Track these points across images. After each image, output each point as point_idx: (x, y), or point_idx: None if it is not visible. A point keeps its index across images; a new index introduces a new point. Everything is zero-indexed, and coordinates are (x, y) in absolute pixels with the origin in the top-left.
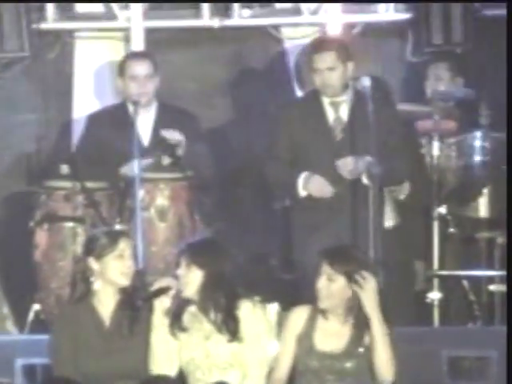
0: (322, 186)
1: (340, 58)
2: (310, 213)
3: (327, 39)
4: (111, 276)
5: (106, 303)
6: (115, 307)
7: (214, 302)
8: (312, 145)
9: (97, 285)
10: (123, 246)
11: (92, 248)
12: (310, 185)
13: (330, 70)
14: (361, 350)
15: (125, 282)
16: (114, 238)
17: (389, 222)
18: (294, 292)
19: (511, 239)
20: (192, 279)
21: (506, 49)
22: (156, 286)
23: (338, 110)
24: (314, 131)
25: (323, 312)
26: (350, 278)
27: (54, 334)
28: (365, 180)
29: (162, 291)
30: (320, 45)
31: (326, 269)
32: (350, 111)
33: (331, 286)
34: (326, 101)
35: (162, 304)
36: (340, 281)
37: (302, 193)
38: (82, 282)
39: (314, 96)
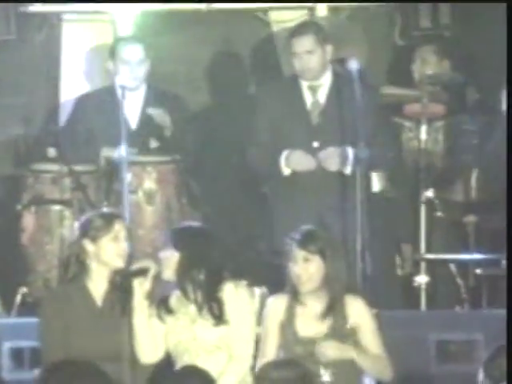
0: (304, 158)
1: (318, 41)
2: (293, 196)
3: (305, 23)
4: (106, 258)
5: (98, 283)
6: (108, 288)
7: (191, 282)
8: (289, 129)
9: (91, 266)
10: (118, 227)
11: (87, 230)
12: (292, 160)
13: (308, 54)
14: (345, 329)
15: (120, 263)
16: (109, 220)
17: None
18: (282, 276)
19: (511, 224)
20: (169, 261)
21: (506, 49)
22: (134, 266)
23: (316, 94)
24: (291, 115)
25: (301, 297)
26: (324, 256)
27: (43, 314)
28: (347, 171)
29: (141, 272)
30: (298, 29)
31: (299, 252)
32: (328, 95)
33: (309, 267)
34: (304, 85)
35: (141, 286)
36: (316, 260)
37: (286, 171)
38: (75, 264)
39: (293, 80)
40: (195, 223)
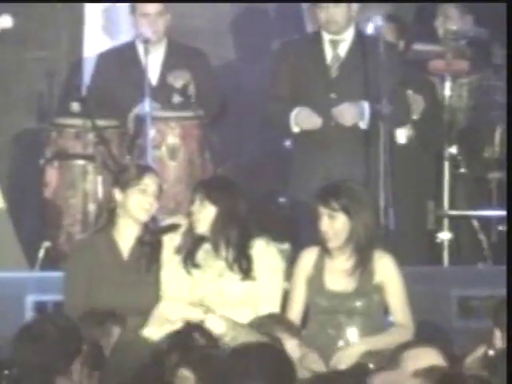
0: (310, 117)
1: None
2: (310, 151)
3: None
4: (131, 209)
5: (125, 237)
6: (135, 242)
7: (225, 238)
8: (308, 82)
9: (119, 217)
10: (148, 181)
11: (119, 179)
12: (299, 118)
13: (334, 6)
14: (370, 285)
15: (143, 217)
16: (141, 171)
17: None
18: (304, 231)
19: (511, 178)
20: (205, 215)
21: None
22: (166, 222)
23: (336, 49)
24: (311, 68)
25: (330, 252)
26: (349, 212)
27: (68, 264)
28: (362, 125)
29: (172, 228)
30: None
31: (323, 210)
32: (349, 50)
33: (334, 224)
34: (326, 39)
35: (171, 241)
36: (340, 217)
37: (295, 129)
38: (106, 212)
39: (316, 35)
40: (223, 174)
